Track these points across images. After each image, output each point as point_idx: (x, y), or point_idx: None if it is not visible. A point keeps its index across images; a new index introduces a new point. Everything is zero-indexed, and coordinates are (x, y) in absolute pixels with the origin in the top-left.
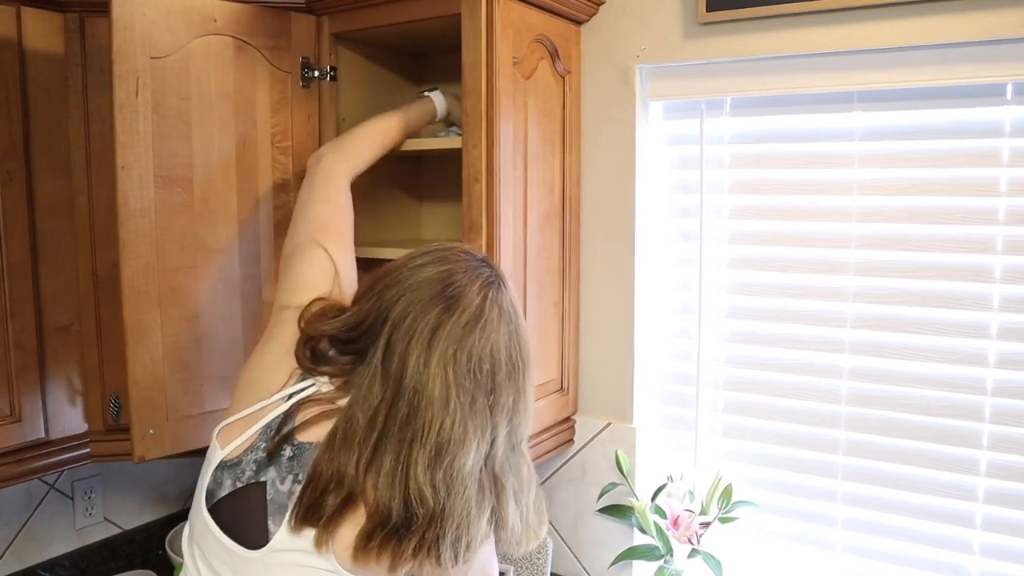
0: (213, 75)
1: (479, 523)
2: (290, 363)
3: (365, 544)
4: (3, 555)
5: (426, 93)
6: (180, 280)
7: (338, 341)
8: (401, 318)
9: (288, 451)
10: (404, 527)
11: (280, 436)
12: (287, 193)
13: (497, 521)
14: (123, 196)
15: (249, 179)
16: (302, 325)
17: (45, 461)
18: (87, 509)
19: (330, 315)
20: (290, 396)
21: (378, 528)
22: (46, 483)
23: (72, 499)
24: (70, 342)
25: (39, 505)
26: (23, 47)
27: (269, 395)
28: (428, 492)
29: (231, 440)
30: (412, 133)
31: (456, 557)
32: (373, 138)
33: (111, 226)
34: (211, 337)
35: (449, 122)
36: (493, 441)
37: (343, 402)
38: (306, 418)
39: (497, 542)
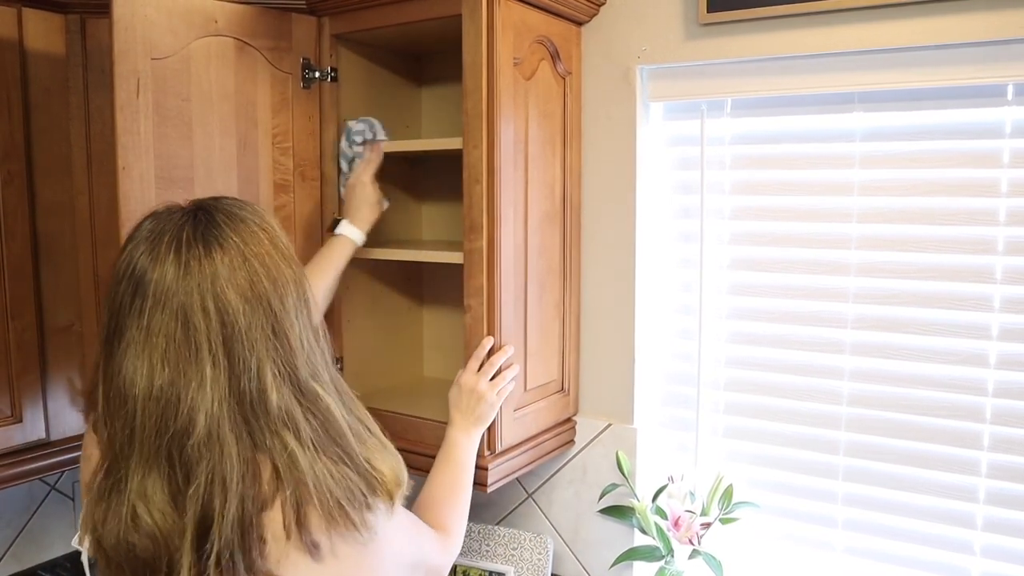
0: (214, 76)
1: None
2: None
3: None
4: (4, 556)
5: (336, 232)
6: None
7: None
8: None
9: None
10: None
11: None
12: (287, 194)
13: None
14: (124, 197)
15: (250, 180)
16: None
17: (46, 462)
18: None
19: None
20: None
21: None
22: (47, 484)
23: (73, 500)
24: (71, 342)
25: (40, 506)
26: (24, 48)
27: None
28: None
29: None
30: (339, 270)
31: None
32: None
33: (112, 226)
34: None
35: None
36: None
37: None
38: None
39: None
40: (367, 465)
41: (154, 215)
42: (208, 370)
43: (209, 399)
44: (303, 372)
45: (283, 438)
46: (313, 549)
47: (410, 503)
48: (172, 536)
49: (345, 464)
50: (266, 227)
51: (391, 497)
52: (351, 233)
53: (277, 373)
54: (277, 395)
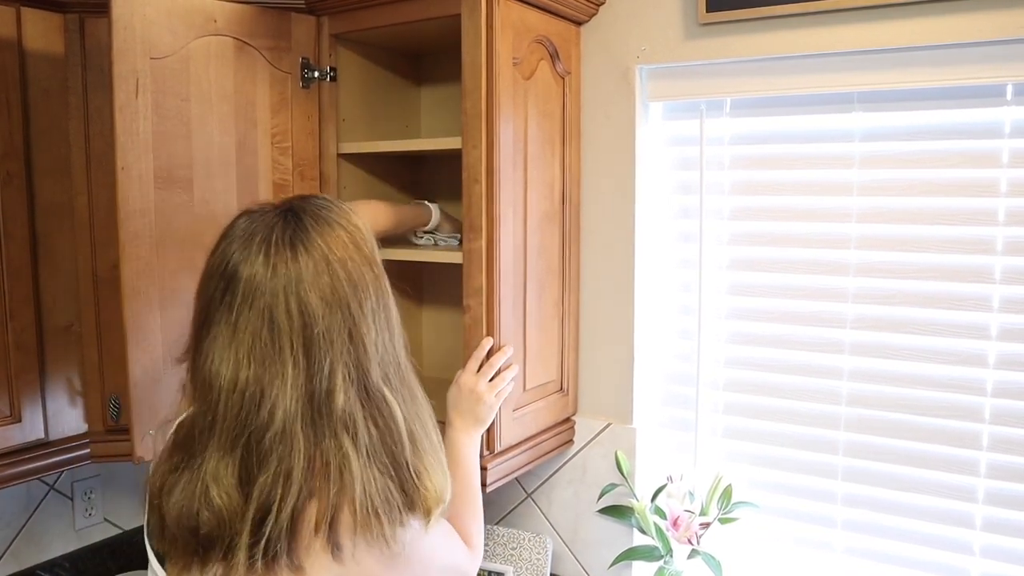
0: (213, 76)
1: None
2: None
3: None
4: (3, 556)
5: (426, 202)
6: (180, 281)
7: None
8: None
9: None
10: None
11: None
12: (287, 194)
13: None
14: (123, 197)
15: (249, 180)
16: None
17: (45, 462)
18: (87, 510)
19: None
20: None
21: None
22: (46, 484)
23: (72, 500)
24: (70, 343)
25: (39, 506)
26: (23, 48)
27: None
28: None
29: None
30: (399, 230)
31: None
32: (364, 214)
33: (111, 227)
34: None
35: (433, 232)
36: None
37: None
38: None
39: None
40: (415, 480)
41: (248, 214)
42: (290, 369)
43: (288, 397)
44: (375, 375)
45: (340, 440)
46: (336, 550)
47: None
48: (235, 519)
49: (391, 477)
50: (351, 229)
51: (428, 514)
52: (434, 211)
53: (347, 376)
54: (344, 397)
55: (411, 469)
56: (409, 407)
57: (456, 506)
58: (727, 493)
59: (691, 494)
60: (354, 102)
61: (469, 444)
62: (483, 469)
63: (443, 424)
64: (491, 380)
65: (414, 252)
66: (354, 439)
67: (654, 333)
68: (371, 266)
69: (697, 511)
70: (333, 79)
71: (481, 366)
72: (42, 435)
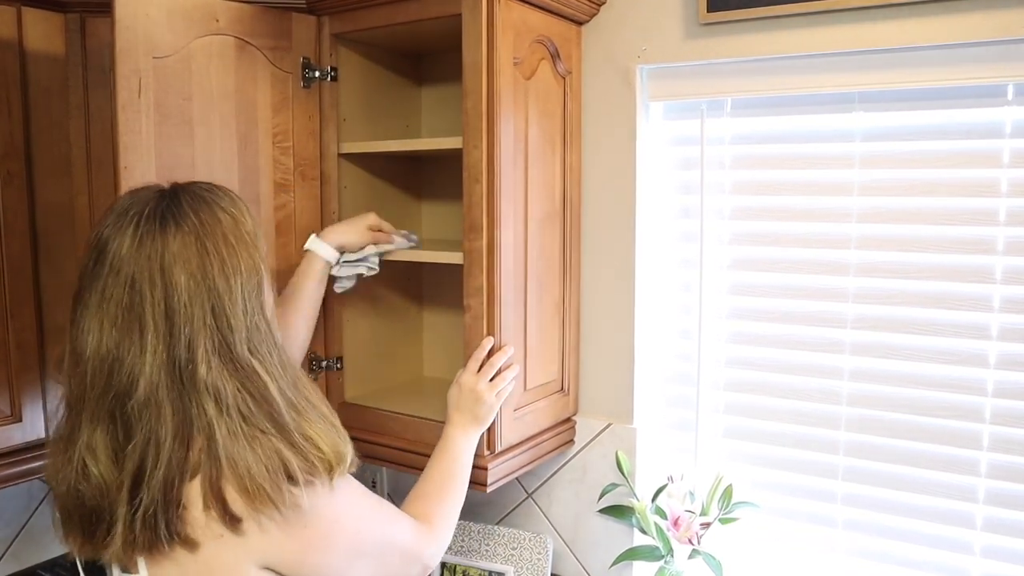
0: (215, 75)
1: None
2: None
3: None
4: (3, 555)
5: (306, 247)
6: None
7: None
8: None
9: None
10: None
11: None
12: (287, 193)
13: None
14: None
15: (250, 179)
16: None
17: (45, 461)
18: None
19: None
20: None
21: None
22: (46, 483)
23: None
24: None
25: (39, 505)
26: (24, 47)
27: None
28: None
29: None
30: (310, 292)
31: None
32: (286, 329)
33: None
34: None
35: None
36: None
37: None
38: None
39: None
40: (303, 440)
41: (130, 192)
42: (150, 338)
43: (148, 364)
44: (239, 348)
45: (205, 407)
46: (233, 523)
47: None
48: (111, 488)
49: (275, 437)
50: (232, 212)
51: (330, 473)
52: (319, 249)
53: (209, 347)
54: (205, 367)
55: (298, 433)
56: (281, 379)
57: (428, 491)
58: (728, 493)
59: (692, 494)
60: (355, 102)
61: (464, 441)
62: (484, 469)
63: (444, 423)
64: (491, 380)
65: (414, 253)
66: (220, 406)
67: (655, 333)
68: (248, 249)
69: (698, 511)
70: (334, 79)
71: (482, 366)
72: (42, 434)
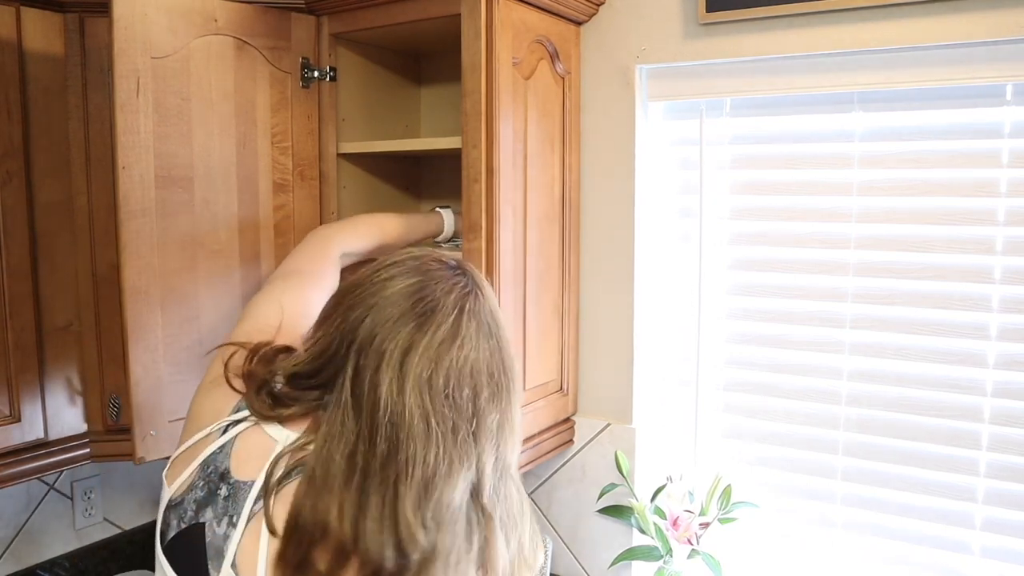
0: (214, 75)
1: (467, 561)
2: (233, 394)
3: None
4: (2, 555)
5: (438, 209)
6: (181, 280)
7: (299, 377)
8: (368, 340)
9: (224, 490)
10: (398, 574)
11: (217, 473)
12: (287, 193)
13: (486, 560)
14: (124, 196)
15: (249, 179)
16: (250, 368)
17: (44, 461)
18: (86, 509)
19: (283, 352)
20: (226, 428)
21: None
22: (45, 483)
23: (71, 499)
24: (70, 342)
25: (38, 505)
26: (23, 47)
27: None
28: (420, 533)
29: (176, 477)
30: (411, 241)
31: None
32: (372, 229)
33: (111, 226)
34: (212, 337)
35: (455, 240)
36: (480, 470)
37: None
38: (241, 452)
39: None
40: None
41: (427, 269)
42: (472, 446)
43: (467, 472)
44: (515, 468)
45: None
46: None
47: None
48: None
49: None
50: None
51: None
52: (447, 219)
53: (494, 467)
54: (490, 489)
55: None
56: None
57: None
58: (727, 493)
59: (691, 494)
60: (354, 102)
61: None
62: None
63: None
64: None
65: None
66: (502, 520)
67: (654, 333)
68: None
69: (697, 511)
70: (333, 79)
71: None
72: (42, 435)
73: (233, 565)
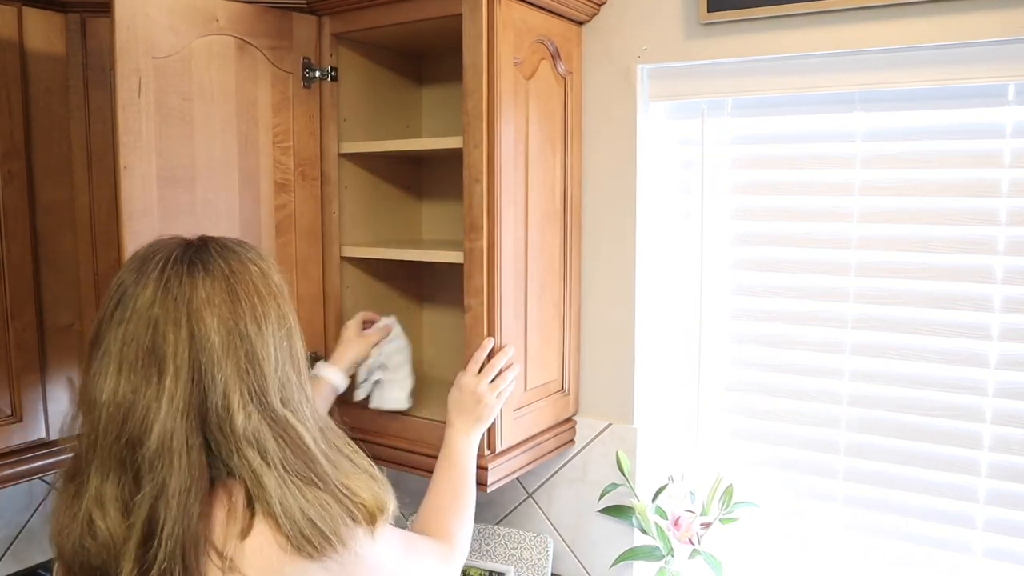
0: (215, 75)
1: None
2: None
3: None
4: (3, 555)
5: (313, 373)
6: None
7: None
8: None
9: None
10: None
11: None
12: (288, 193)
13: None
14: (126, 196)
15: (251, 179)
16: None
17: (46, 461)
18: None
19: None
20: None
21: None
22: (47, 483)
23: None
24: (71, 342)
25: (39, 505)
26: (24, 47)
27: None
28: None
29: None
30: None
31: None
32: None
33: (112, 226)
34: None
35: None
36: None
37: None
38: None
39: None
40: (343, 490)
41: (155, 241)
42: (168, 383)
43: (165, 412)
44: (273, 398)
45: (247, 457)
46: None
47: (400, 521)
48: (119, 542)
49: (317, 487)
50: (259, 263)
51: (372, 522)
52: (331, 376)
53: (245, 395)
54: (244, 416)
55: (337, 483)
56: (315, 430)
57: (441, 505)
58: (728, 493)
59: (692, 494)
60: (355, 102)
61: (467, 446)
62: (484, 469)
63: (444, 423)
64: (492, 381)
65: (414, 253)
66: (263, 455)
67: (655, 333)
68: (276, 298)
69: (698, 511)
70: (334, 79)
71: (482, 367)
72: (43, 435)
73: None
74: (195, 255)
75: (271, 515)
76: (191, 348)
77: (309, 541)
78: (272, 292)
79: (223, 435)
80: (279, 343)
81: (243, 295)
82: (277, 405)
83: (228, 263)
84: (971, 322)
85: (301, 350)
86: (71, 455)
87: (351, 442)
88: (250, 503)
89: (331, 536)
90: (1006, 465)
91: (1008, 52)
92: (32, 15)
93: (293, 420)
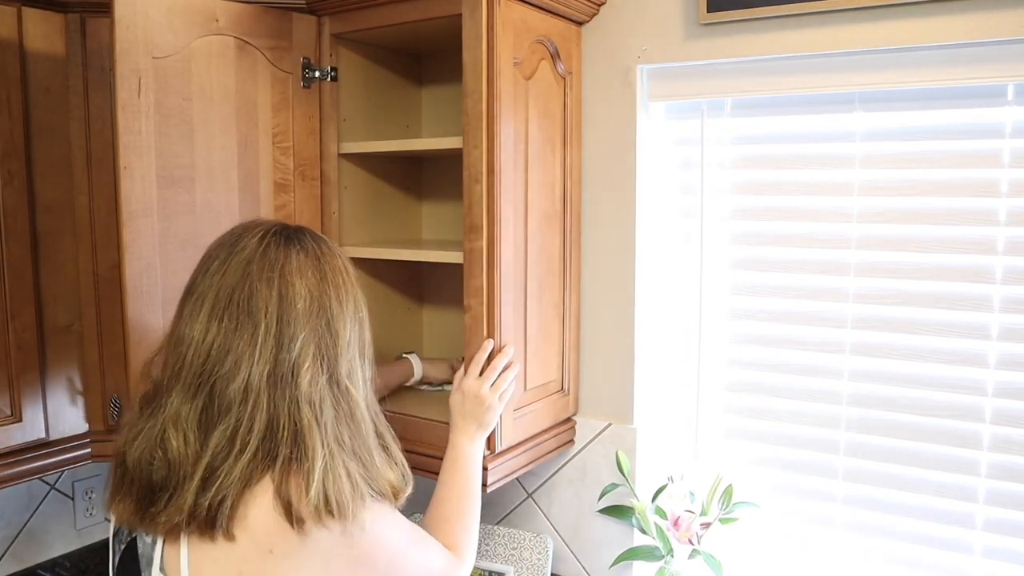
0: (215, 75)
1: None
2: None
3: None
4: (3, 555)
5: (404, 355)
6: (182, 281)
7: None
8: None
9: None
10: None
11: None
12: (287, 193)
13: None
14: (125, 197)
15: (250, 179)
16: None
17: (45, 461)
18: (88, 509)
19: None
20: None
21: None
22: (47, 483)
23: (72, 499)
24: (71, 342)
25: (39, 505)
26: (24, 47)
27: None
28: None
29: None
30: (391, 388)
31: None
32: None
33: (111, 226)
34: None
35: (427, 383)
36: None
37: None
38: None
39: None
40: (376, 467)
41: (255, 219)
42: (261, 333)
43: (254, 360)
44: (343, 370)
45: (303, 412)
46: (298, 523)
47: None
48: (187, 463)
49: (355, 458)
50: (345, 259)
51: (392, 500)
52: (415, 363)
53: (317, 358)
54: (310, 377)
55: (375, 459)
56: (369, 410)
57: (447, 514)
58: (728, 493)
59: (692, 494)
60: (355, 102)
61: (473, 451)
62: (484, 469)
63: (444, 423)
64: (493, 382)
65: (414, 253)
66: (317, 417)
67: (655, 333)
68: (356, 287)
69: (698, 511)
70: (334, 79)
71: (482, 369)
72: (43, 435)
73: (161, 569)
74: (293, 234)
75: (302, 472)
76: (280, 306)
77: (327, 505)
78: (354, 283)
79: (287, 387)
80: (353, 327)
81: (331, 275)
82: (343, 376)
83: (320, 248)
84: (970, 322)
85: (369, 341)
86: (150, 388)
87: (395, 435)
88: (287, 460)
89: (347, 506)
90: (1006, 465)
91: (1008, 52)
92: (32, 15)
93: (355, 393)
